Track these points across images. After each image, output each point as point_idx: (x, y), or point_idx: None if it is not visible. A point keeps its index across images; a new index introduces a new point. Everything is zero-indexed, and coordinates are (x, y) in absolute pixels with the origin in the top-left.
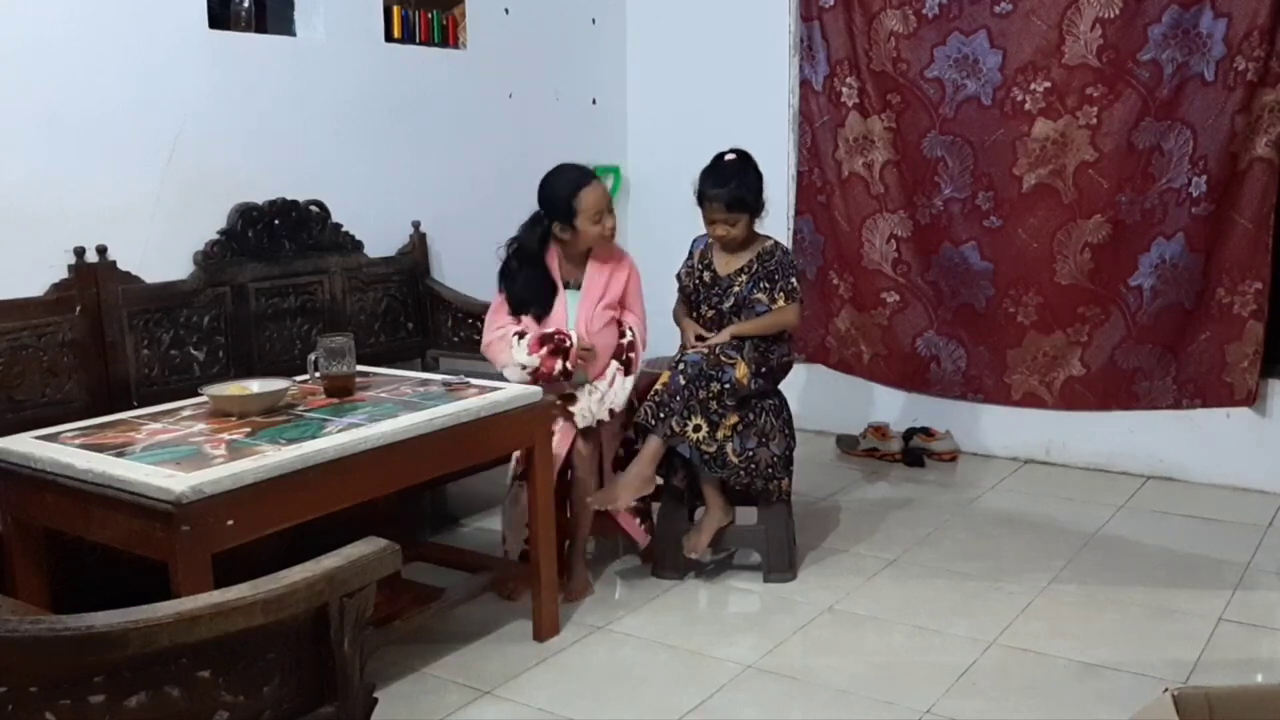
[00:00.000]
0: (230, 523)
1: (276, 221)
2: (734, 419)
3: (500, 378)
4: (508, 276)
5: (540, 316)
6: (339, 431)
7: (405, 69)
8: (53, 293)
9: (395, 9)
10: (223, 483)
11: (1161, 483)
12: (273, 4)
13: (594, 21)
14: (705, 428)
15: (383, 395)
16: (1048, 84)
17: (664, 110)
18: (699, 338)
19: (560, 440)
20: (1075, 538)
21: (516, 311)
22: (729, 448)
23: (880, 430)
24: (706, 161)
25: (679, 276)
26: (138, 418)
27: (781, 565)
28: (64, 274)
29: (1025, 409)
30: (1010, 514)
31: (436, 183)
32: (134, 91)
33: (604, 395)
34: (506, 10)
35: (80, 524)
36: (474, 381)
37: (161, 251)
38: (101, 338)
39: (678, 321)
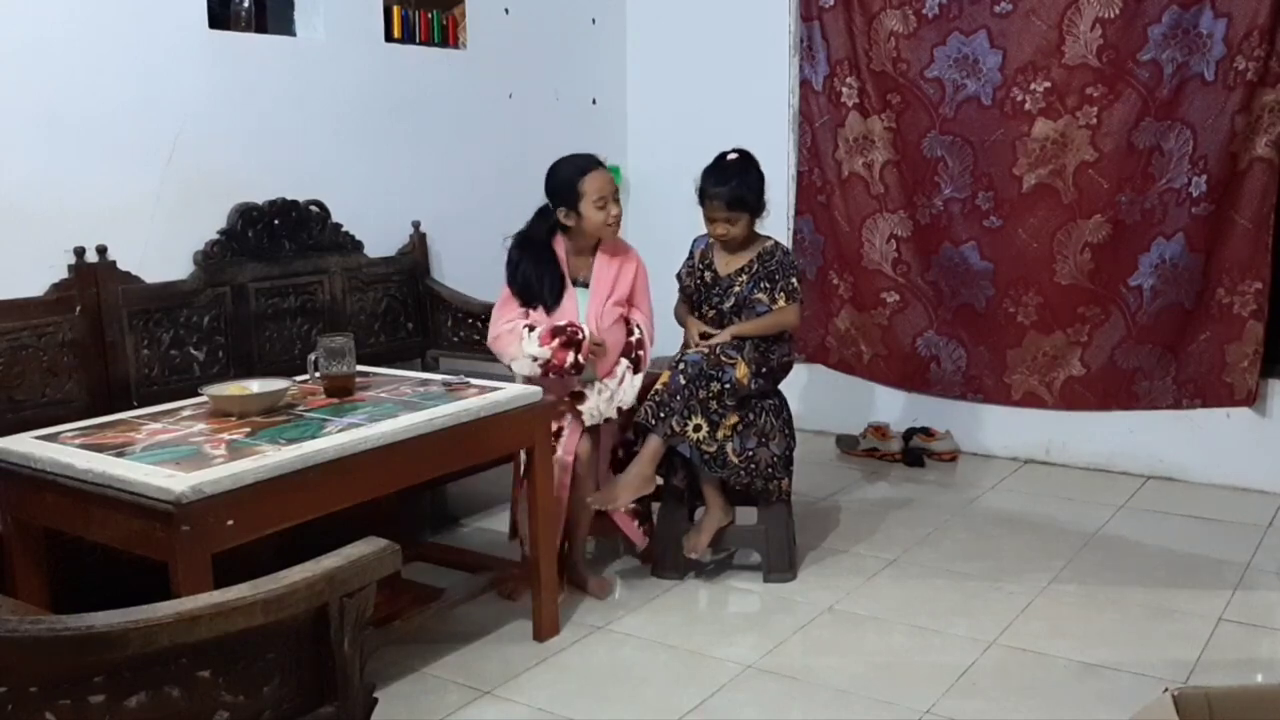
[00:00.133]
0: (230, 523)
1: (276, 221)
2: (734, 419)
3: (503, 375)
4: (514, 267)
5: (549, 309)
6: (339, 431)
7: (405, 69)
8: (53, 293)
9: (395, 9)
10: (223, 483)
11: (1161, 483)
12: (273, 4)
13: (594, 21)
14: (705, 427)
15: (383, 395)
16: (1048, 84)
17: (664, 110)
18: (703, 335)
19: (570, 440)
20: (1075, 538)
21: (525, 302)
22: (729, 447)
23: (880, 430)
24: (707, 162)
25: (679, 276)
26: (138, 418)
27: (781, 565)
28: (64, 274)
29: (1025, 409)
30: (1010, 514)
31: (436, 183)
32: (134, 91)
33: (613, 393)
34: (506, 10)
35: (80, 524)
36: (474, 381)
37: (161, 251)
38: (101, 338)
39: (680, 321)
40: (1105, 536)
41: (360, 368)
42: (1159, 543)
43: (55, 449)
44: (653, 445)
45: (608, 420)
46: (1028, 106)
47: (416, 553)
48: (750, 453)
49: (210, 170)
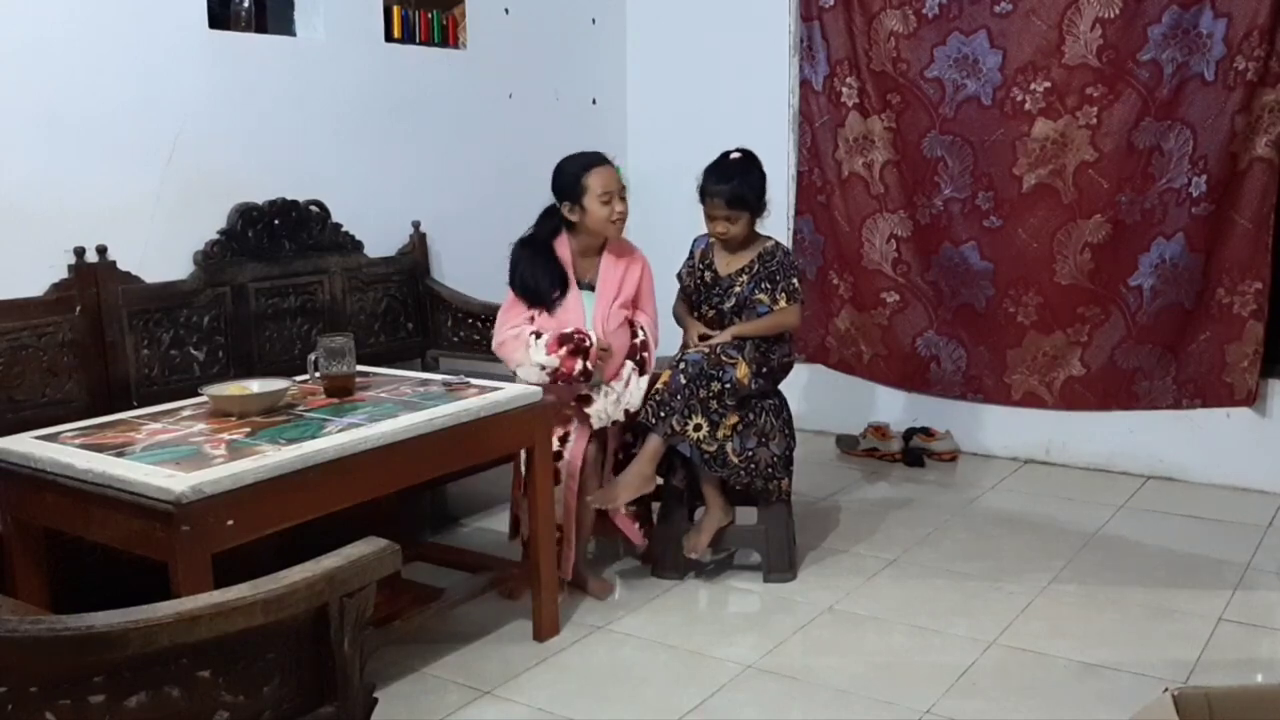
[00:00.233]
0: (230, 523)
1: (276, 221)
2: (734, 419)
3: (503, 375)
4: (515, 266)
5: (550, 309)
6: (339, 431)
7: (405, 69)
8: (53, 293)
9: (395, 9)
10: (223, 483)
11: (1161, 483)
12: (273, 4)
13: (594, 21)
14: (706, 427)
15: (383, 395)
16: (1048, 84)
17: (664, 110)
18: (702, 337)
19: (578, 444)
20: (1075, 538)
21: (531, 303)
22: (729, 447)
23: (880, 430)
24: (707, 162)
25: (679, 276)
26: (138, 418)
27: (781, 565)
28: (64, 274)
29: (1025, 409)
30: (1010, 514)
31: (436, 183)
32: (134, 91)
33: (620, 396)
34: (506, 10)
35: (80, 524)
36: (474, 381)
37: (161, 251)
38: (101, 338)
39: (679, 320)
40: (1105, 536)
41: (360, 368)
42: (1159, 543)
43: (55, 449)
44: (653, 444)
45: (614, 423)
46: (1028, 106)
47: (416, 553)
48: (750, 453)
49: (210, 170)
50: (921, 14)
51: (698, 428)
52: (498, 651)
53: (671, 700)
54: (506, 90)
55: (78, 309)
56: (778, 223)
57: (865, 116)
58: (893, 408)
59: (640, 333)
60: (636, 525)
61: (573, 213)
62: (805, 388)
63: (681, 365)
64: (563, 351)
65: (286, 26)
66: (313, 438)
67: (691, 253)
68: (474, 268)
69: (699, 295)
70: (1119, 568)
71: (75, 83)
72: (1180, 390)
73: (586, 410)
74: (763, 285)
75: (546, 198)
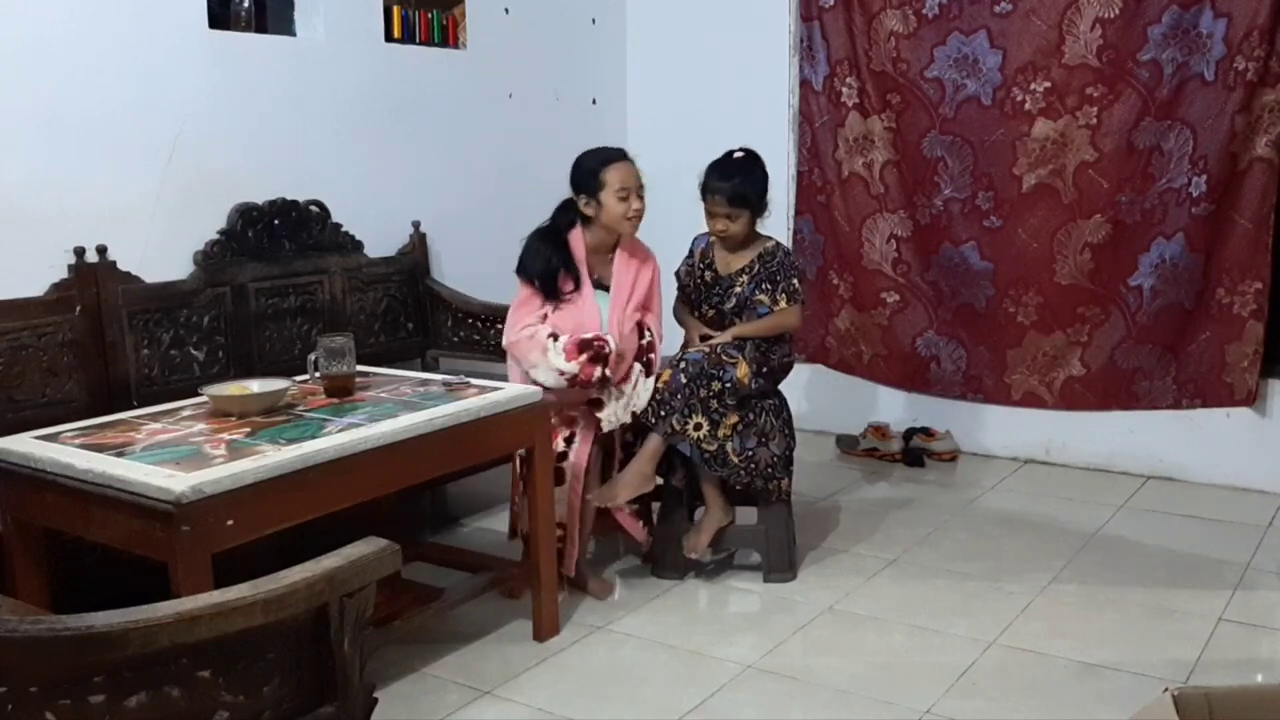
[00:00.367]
0: (230, 523)
1: (276, 221)
2: (734, 418)
3: (504, 375)
4: (531, 255)
5: (558, 302)
6: (339, 431)
7: (405, 69)
8: (53, 293)
9: (395, 9)
10: (223, 483)
11: (1161, 483)
12: (273, 4)
13: (594, 21)
14: (706, 426)
15: (383, 395)
16: (1048, 84)
17: (664, 110)
18: (703, 337)
19: (583, 446)
20: (1075, 538)
21: (544, 295)
22: (729, 447)
23: (880, 430)
24: (707, 162)
25: (678, 274)
26: (138, 418)
27: (781, 565)
28: (64, 274)
29: (1025, 409)
30: (1010, 514)
31: (436, 183)
32: (134, 91)
33: (629, 399)
34: (506, 10)
35: (80, 524)
36: (474, 381)
37: (161, 251)
38: (101, 338)
39: (679, 320)
40: (1105, 536)
41: (360, 368)
42: (1159, 543)
43: (55, 449)
44: (653, 443)
45: (626, 423)
46: (1028, 106)
47: (416, 553)
48: (750, 452)
49: (210, 170)
50: (921, 14)
51: (698, 427)
52: (498, 651)
53: (671, 700)
54: (506, 90)
55: (78, 309)
56: (778, 223)
57: (865, 116)
58: (893, 408)
59: (648, 334)
60: (640, 523)
61: (589, 207)
62: (805, 388)
63: (682, 364)
64: (583, 358)
65: (286, 26)
66: (313, 438)
67: (691, 251)
68: (474, 268)
69: (698, 295)
70: (1119, 568)
71: (75, 83)
72: (1180, 390)
73: (598, 414)
74: (763, 286)
75: (546, 198)
